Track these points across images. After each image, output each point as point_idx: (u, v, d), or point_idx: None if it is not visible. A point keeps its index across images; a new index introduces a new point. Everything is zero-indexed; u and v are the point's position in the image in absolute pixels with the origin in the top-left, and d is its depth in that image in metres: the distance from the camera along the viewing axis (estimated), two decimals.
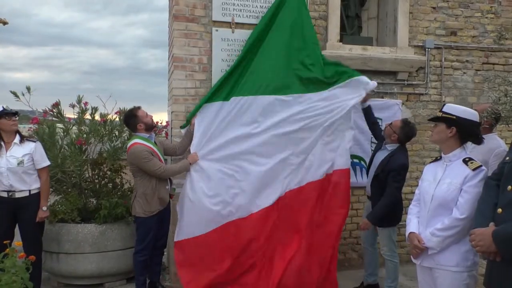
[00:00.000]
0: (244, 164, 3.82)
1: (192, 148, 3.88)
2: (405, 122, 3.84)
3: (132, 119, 3.85)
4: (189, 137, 4.01)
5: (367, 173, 4.13)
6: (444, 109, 2.53)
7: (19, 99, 4.16)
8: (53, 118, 4.49)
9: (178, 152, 4.10)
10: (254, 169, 3.81)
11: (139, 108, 3.92)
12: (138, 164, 3.71)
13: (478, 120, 2.51)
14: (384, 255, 3.90)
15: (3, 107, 3.72)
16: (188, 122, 4.04)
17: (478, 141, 2.54)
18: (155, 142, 3.91)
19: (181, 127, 4.15)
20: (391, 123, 3.92)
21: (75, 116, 4.58)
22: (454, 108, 2.51)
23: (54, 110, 4.47)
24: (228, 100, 3.91)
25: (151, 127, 3.91)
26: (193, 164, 3.82)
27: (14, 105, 3.98)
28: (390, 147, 3.87)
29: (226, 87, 3.98)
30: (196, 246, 3.81)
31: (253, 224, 3.80)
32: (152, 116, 3.96)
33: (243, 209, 3.81)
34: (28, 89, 4.10)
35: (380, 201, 3.72)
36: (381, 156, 3.89)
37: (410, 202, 2.79)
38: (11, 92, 4.17)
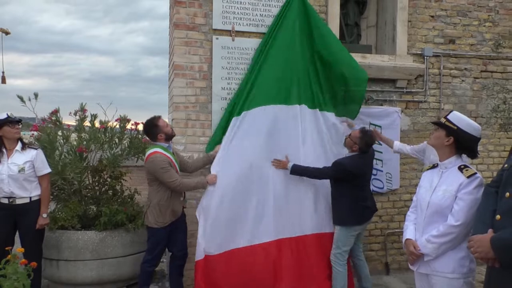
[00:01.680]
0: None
1: (212, 169, 3.90)
2: (363, 132, 3.87)
3: (153, 128, 3.81)
4: (205, 161, 4.03)
5: None
6: (449, 117, 2.53)
7: (25, 104, 4.19)
8: (51, 125, 4.51)
9: (189, 170, 4.06)
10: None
11: (159, 117, 3.87)
12: (155, 173, 3.66)
13: (478, 136, 2.50)
14: (331, 259, 3.89)
15: (7, 114, 3.75)
16: (211, 145, 4.13)
17: (473, 155, 2.54)
18: (172, 152, 3.88)
19: (206, 151, 4.23)
20: (350, 134, 3.97)
21: (75, 123, 4.60)
22: (458, 119, 2.50)
23: (53, 118, 4.49)
24: (239, 115, 4.01)
25: (170, 137, 3.89)
26: (211, 184, 3.83)
27: (16, 112, 4.01)
28: (349, 155, 3.93)
29: (239, 103, 4.06)
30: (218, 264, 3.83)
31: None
32: (171, 126, 3.97)
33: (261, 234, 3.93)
34: (36, 95, 4.13)
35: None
36: None
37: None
38: (18, 96, 4.20)
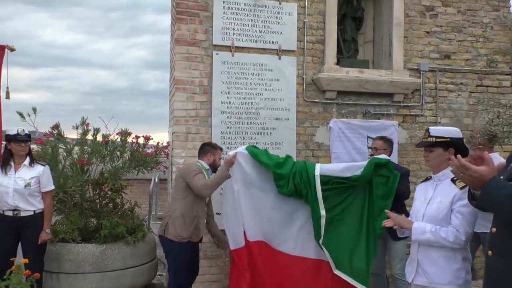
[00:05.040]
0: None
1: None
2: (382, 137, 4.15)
3: (210, 147, 3.88)
4: (218, 177, 3.73)
5: None
6: (434, 134, 2.58)
7: (25, 119, 4.24)
8: (52, 139, 4.55)
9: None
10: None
11: (221, 149, 3.99)
12: (186, 177, 3.62)
13: (462, 136, 2.64)
14: (396, 275, 3.84)
15: (17, 131, 3.81)
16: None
17: (467, 154, 2.58)
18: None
19: None
20: (373, 147, 4.11)
21: (78, 137, 4.64)
22: (444, 131, 2.59)
23: (54, 132, 4.54)
24: None
25: (214, 168, 3.84)
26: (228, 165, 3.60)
27: (18, 125, 4.05)
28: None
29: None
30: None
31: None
32: (220, 165, 3.89)
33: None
34: (34, 110, 4.19)
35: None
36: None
37: None
38: (18, 112, 4.25)
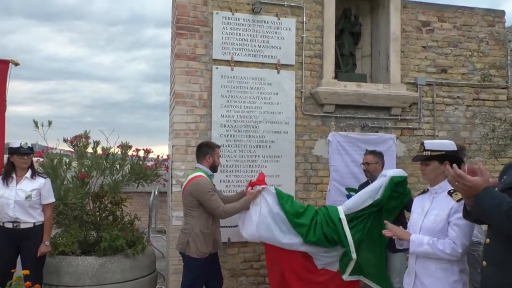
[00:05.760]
0: None
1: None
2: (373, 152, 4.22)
3: (207, 148, 3.83)
4: (238, 198, 3.87)
5: None
6: (429, 147, 2.62)
7: (38, 129, 4.28)
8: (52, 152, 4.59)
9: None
10: None
11: (218, 146, 3.95)
12: (200, 197, 3.58)
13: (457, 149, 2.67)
14: None
15: (20, 144, 3.87)
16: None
17: (462, 163, 2.65)
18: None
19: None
20: (365, 163, 4.18)
21: (77, 149, 4.67)
22: (438, 144, 2.64)
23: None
24: None
25: (215, 168, 3.86)
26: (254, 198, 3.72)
27: (16, 138, 4.09)
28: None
29: None
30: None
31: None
32: (219, 163, 3.96)
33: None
34: (50, 123, 4.25)
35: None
36: None
37: None
38: (33, 121, 4.31)
